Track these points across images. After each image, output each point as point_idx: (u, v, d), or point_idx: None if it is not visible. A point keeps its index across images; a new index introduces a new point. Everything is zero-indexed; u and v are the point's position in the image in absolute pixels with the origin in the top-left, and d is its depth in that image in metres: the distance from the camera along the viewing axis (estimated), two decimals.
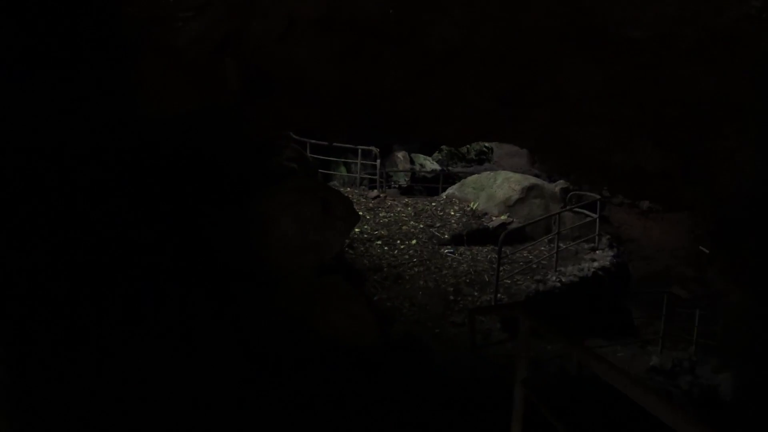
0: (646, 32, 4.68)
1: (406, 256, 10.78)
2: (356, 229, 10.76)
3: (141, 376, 4.23)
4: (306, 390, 5.42)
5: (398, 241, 11.33)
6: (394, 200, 13.59)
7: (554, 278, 9.87)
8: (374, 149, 15.76)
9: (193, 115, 5.54)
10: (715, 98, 5.34)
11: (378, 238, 11.32)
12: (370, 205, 12.99)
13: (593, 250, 11.28)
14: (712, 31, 4.47)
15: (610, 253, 11.16)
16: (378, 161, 15.82)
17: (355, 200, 12.13)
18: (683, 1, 4.21)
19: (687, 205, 8.54)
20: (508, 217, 12.49)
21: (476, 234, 11.79)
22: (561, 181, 14.57)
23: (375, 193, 14.02)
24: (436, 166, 21.88)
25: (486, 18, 4.95)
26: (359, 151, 15.85)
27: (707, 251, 14.61)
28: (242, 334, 5.82)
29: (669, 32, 4.65)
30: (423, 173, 20.65)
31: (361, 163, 16.43)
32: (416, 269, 10.38)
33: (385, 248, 11.03)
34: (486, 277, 10.15)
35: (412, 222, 12.24)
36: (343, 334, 6.78)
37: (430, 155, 22.88)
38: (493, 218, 12.44)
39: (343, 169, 18.07)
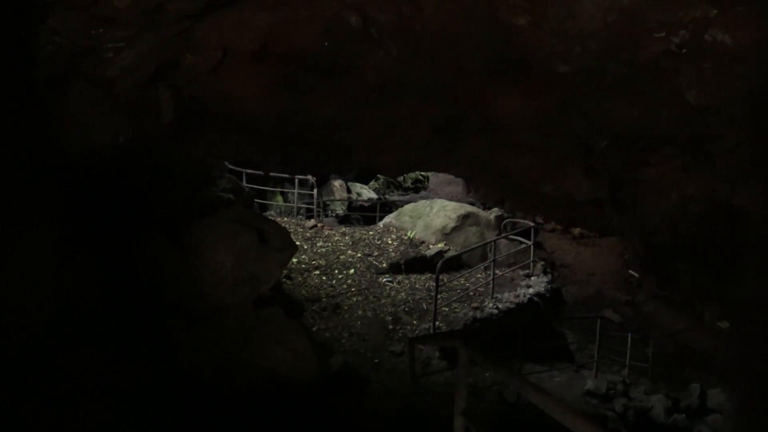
0: (573, 67, 4.85)
1: (345, 286, 10.75)
2: (294, 259, 10.67)
3: (71, 415, 4.07)
4: (242, 429, 5.31)
5: (336, 271, 11.29)
6: (331, 229, 13.56)
7: (491, 305, 10.00)
8: (311, 178, 15.72)
9: (126, 146, 5.42)
10: (639, 129, 5.56)
11: (316, 268, 11.26)
12: (308, 234, 12.92)
13: (528, 276, 11.50)
14: (635, 65, 4.66)
15: (545, 279, 11.40)
16: (315, 190, 15.79)
17: (292, 230, 12.05)
18: (607, 38, 4.39)
19: (616, 231, 8.81)
20: (445, 245, 12.62)
21: (414, 262, 11.85)
22: (495, 209, 14.83)
23: (312, 222, 13.97)
24: (373, 195, 21.96)
25: (420, 51, 5.05)
26: (296, 180, 15.79)
27: (636, 275, 15.09)
28: (177, 372, 5.67)
29: (594, 67, 4.83)
30: (360, 202, 20.68)
31: (298, 193, 16.36)
32: (355, 299, 10.35)
33: (323, 278, 10.97)
34: (424, 305, 10.20)
35: (349, 251, 12.22)
36: (281, 367, 6.69)
37: (366, 184, 22.97)
38: (431, 246, 12.54)
39: (279, 198, 17.94)
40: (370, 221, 16.45)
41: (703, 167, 5.97)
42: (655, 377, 11.01)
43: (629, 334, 11.07)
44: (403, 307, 10.15)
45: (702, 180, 6.24)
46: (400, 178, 23.73)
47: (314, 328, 9.15)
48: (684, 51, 4.25)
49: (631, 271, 15.48)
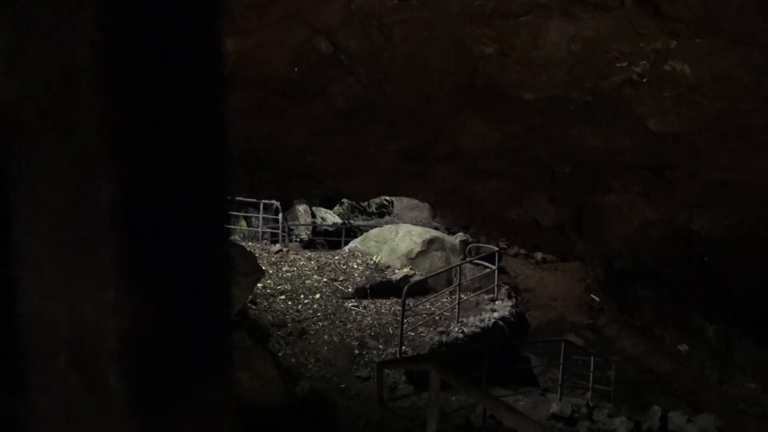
0: (539, 95, 4.99)
1: (310, 311, 10.69)
2: (259, 284, 10.59)
3: None
4: None
5: (302, 296, 11.23)
6: (296, 254, 13.51)
7: (457, 329, 10.04)
8: (275, 203, 15.66)
9: None
10: (603, 156, 5.72)
11: (281, 293, 11.18)
12: (273, 259, 12.84)
13: (493, 300, 11.59)
14: (598, 94, 4.81)
15: (509, 303, 11.50)
16: (280, 215, 15.73)
17: (257, 254, 11.97)
18: (571, 67, 4.53)
19: (579, 255, 8.98)
20: (411, 269, 12.66)
21: (380, 287, 11.85)
22: (460, 233, 14.95)
23: (277, 247, 13.90)
24: (338, 220, 21.94)
25: (389, 78, 5.13)
26: (261, 204, 15.72)
27: (598, 300, 15.32)
28: None
29: (559, 95, 4.97)
30: (325, 227, 20.65)
31: (263, 217, 16.28)
32: (321, 324, 10.29)
33: (289, 303, 10.90)
34: (390, 329, 10.19)
35: (315, 276, 12.17)
36: (247, 394, 6.61)
37: (331, 209, 22.94)
38: (396, 271, 12.57)
39: (243, 223, 17.82)
40: (335, 246, 16.43)
41: (664, 194, 6.15)
42: (617, 400, 11.14)
43: (592, 358, 11.20)
44: (369, 331, 10.14)
45: (662, 206, 6.43)
46: (365, 203, 23.78)
47: (280, 354, 9.07)
48: (645, 80, 4.40)
49: (592, 296, 15.71)
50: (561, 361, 10.35)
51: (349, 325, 10.32)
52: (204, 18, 0.52)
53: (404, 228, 14.20)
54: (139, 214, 0.46)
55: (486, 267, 12.13)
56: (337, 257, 13.52)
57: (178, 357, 0.48)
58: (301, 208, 20.92)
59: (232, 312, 0.58)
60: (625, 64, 4.30)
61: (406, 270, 12.60)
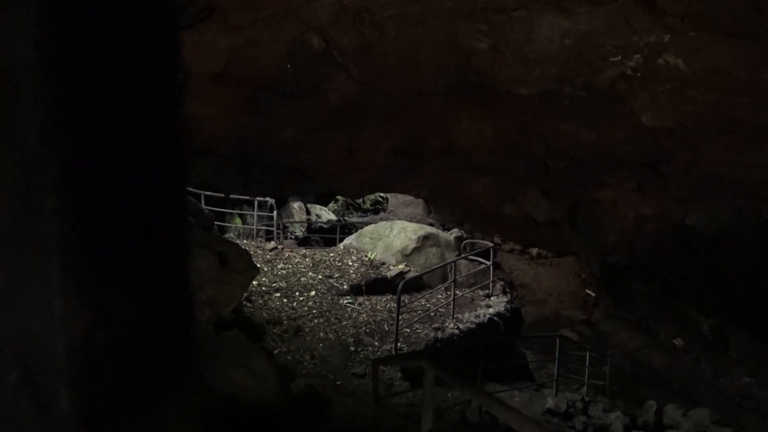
0: (532, 89, 4.97)
1: (306, 308, 10.66)
2: (254, 282, 10.56)
3: None
4: None
5: (297, 293, 11.19)
6: (291, 251, 13.47)
7: (452, 325, 10.03)
8: (270, 200, 15.62)
9: None
10: (597, 151, 5.70)
11: (277, 291, 11.15)
12: (268, 256, 12.80)
13: (488, 296, 11.58)
14: (592, 89, 4.79)
15: (504, 299, 11.49)
16: (275, 212, 15.69)
17: (252, 252, 11.93)
18: (565, 61, 4.50)
19: (574, 251, 8.98)
20: (406, 266, 12.62)
21: (375, 284, 11.82)
22: (455, 229, 14.92)
23: (272, 244, 13.85)
24: (333, 217, 21.90)
25: (382, 74, 5.10)
26: (255, 202, 15.67)
27: (593, 295, 15.33)
28: None
29: (552, 90, 4.95)
30: (320, 224, 20.61)
31: (258, 215, 16.24)
32: (316, 321, 10.26)
33: (284, 300, 10.86)
34: (386, 326, 10.17)
35: (310, 273, 12.14)
36: (243, 391, 6.59)
37: (326, 206, 22.91)
38: (391, 267, 12.54)
39: (238, 221, 17.77)
40: (330, 243, 16.39)
41: (658, 188, 6.14)
42: (612, 395, 11.15)
43: (587, 353, 11.20)
44: (364, 328, 10.11)
45: (656, 200, 6.42)
46: (359, 200, 23.75)
47: (276, 351, 9.04)
48: (639, 75, 4.38)
49: (587, 291, 15.72)
50: (556, 357, 10.35)
51: (344, 322, 10.30)
52: (153, 19, 0.49)
53: (399, 224, 14.17)
54: (87, 221, 0.43)
55: (481, 263, 12.11)
56: (332, 254, 13.48)
57: (134, 374, 0.45)
58: (296, 205, 20.87)
59: (193, 324, 0.55)
60: (619, 58, 4.28)
61: (401, 266, 12.57)
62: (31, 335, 0.41)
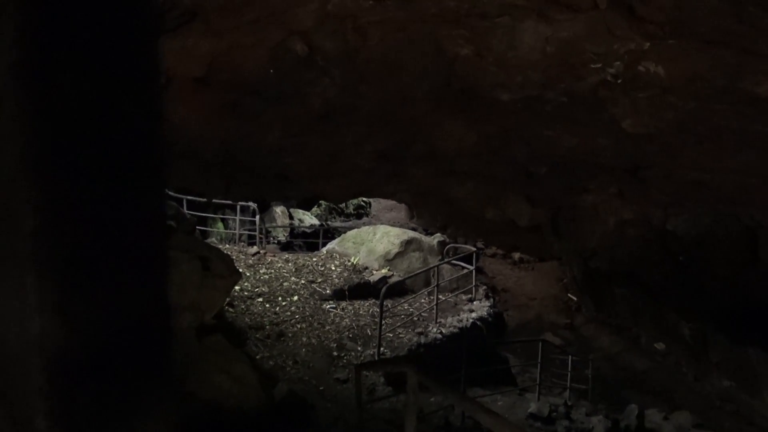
0: (514, 95, 4.99)
1: (288, 313, 10.63)
2: (236, 287, 10.51)
3: None
4: None
5: (279, 298, 11.16)
6: (274, 256, 13.43)
7: (435, 330, 10.04)
8: (252, 205, 15.57)
9: None
10: (578, 156, 5.74)
11: (259, 296, 11.11)
12: (250, 261, 12.75)
13: (471, 301, 11.61)
14: (574, 95, 4.83)
15: (487, 304, 11.53)
16: (257, 217, 15.64)
17: (234, 257, 11.88)
18: (547, 68, 4.53)
19: (556, 255, 9.02)
20: (389, 270, 12.64)
21: (358, 288, 11.81)
22: (438, 234, 14.95)
23: (255, 249, 13.80)
24: (315, 221, 21.86)
25: (365, 79, 5.11)
26: (237, 206, 15.61)
27: (575, 299, 15.42)
28: None
29: (534, 96, 4.98)
30: (302, 228, 20.56)
31: (240, 219, 16.18)
32: (299, 326, 10.24)
33: (267, 305, 10.82)
34: (369, 331, 10.16)
35: (293, 278, 12.11)
36: (225, 397, 6.55)
37: (308, 210, 22.86)
38: (374, 272, 12.55)
39: (220, 225, 17.69)
40: (313, 247, 16.36)
41: (639, 194, 6.19)
42: (594, 399, 11.21)
43: (570, 357, 11.26)
44: (347, 333, 10.10)
45: (637, 206, 6.47)
46: (342, 205, 23.72)
47: (258, 357, 9.01)
48: (619, 81, 4.42)
49: (570, 295, 15.81)
50: (539, 361, 10.39)
51: (327, 327, 10.28)
52: (133, 26, 0.49)
53: (382, 229, 14.18)
54: (65, 238, 0.42)
55: (464, 267, 12.15)
56: (314, 259, 13.46)
57: (112, 390, 0.45)
58: (279, 209, 20.81)
59: (172, 334, 0.55)
60: (600, 65, 4.31)
61: (384, 271, 12.58)
62: (7, 353, 0.41)
